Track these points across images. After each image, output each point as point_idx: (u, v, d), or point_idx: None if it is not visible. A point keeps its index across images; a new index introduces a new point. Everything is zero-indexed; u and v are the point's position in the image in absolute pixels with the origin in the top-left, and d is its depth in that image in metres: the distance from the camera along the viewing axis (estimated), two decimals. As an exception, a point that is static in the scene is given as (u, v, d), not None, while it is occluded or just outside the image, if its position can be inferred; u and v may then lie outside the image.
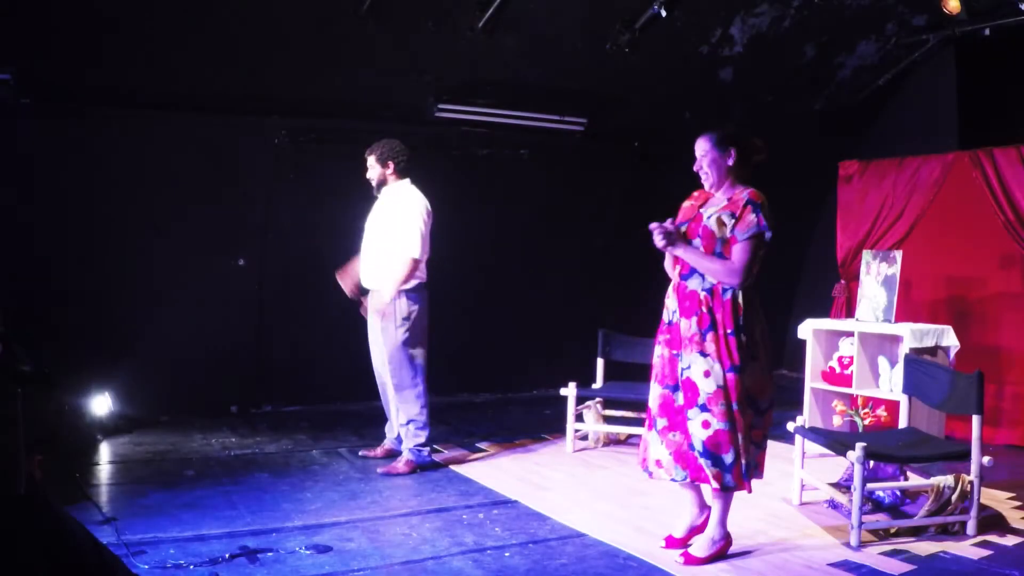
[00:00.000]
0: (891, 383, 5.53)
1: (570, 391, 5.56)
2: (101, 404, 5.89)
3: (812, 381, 5.93)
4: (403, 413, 5.13)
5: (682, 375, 3.53)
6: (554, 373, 6.40)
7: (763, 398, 3.55)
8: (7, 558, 2.47)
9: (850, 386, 5.62)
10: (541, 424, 6.49)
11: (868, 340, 5.72)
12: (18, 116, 5.74)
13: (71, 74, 5.77)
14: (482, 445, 5.80)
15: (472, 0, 6.19)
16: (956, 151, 6.46)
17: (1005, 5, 6.40)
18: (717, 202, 3.60)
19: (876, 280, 5.82)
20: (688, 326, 3.52)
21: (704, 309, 3.49)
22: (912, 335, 5.42)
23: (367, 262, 5.19)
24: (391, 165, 5.12)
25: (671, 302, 3.64)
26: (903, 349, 5.34)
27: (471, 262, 7.41)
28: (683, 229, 3.61)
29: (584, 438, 5.80)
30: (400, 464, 5.08)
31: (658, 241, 3.54)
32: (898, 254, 5.81)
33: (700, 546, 3.63)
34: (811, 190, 8.36)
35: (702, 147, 3.62)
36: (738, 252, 3.47)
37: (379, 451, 5.38)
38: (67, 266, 5.99)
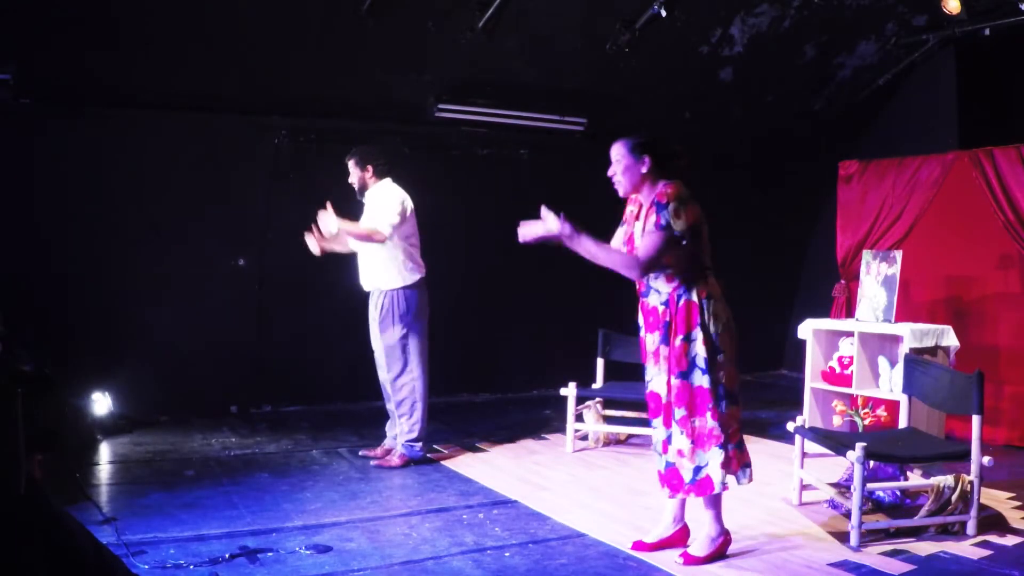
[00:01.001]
0: (891, 383, 5.53)
1: (570, 391, 5.56)
2: (101, 404, 5.89)
3: (812, 381, 5.93)
4: (398, 407, 5.19)
5: (647, 388, 3.63)
6: (554, 373, 6.41)
7: (735, 388, 3.58)
8: (7, 558, 2.47)
9: (850, 386, 5.62)
10: (541, 424, 6.49)
11: (868, 340, 5.72)
12: (18, 116, 5.74)
13: (71, 74, 5.77)
14: (482, 445, 5.80)
15: (472, 0, 6.20)
16: (956, 151, 6.46)
17: (1005, 5, 6.40)
18: (645, 213, 3.57)
19: (876, 280, 5.82)
20: (651, 341, 3.59)
21: (661, 323, 3.54)
22: (912, 335, 5.42)
23: (363, 266, 5.24)
24: (370, 169, 5.20)
25: (639, 318, 3.69)
26: (903, 349, 5.34)
27: (471, 262, 7.41)
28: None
29: (584, 438, 5.79)
30: (393, 458, 5.17)
31: (551, 229, 3.43)
32: (898, 254, 5.81)
33: (699, 545, 3.63)
34: (811, 190, 8.36)
35: (617, 153, 3.61)
36: (642, 244, 3.48)
37: (379, 451, 5.39)
38: (67, 266, 5.99)
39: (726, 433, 3.52)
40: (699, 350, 3.49)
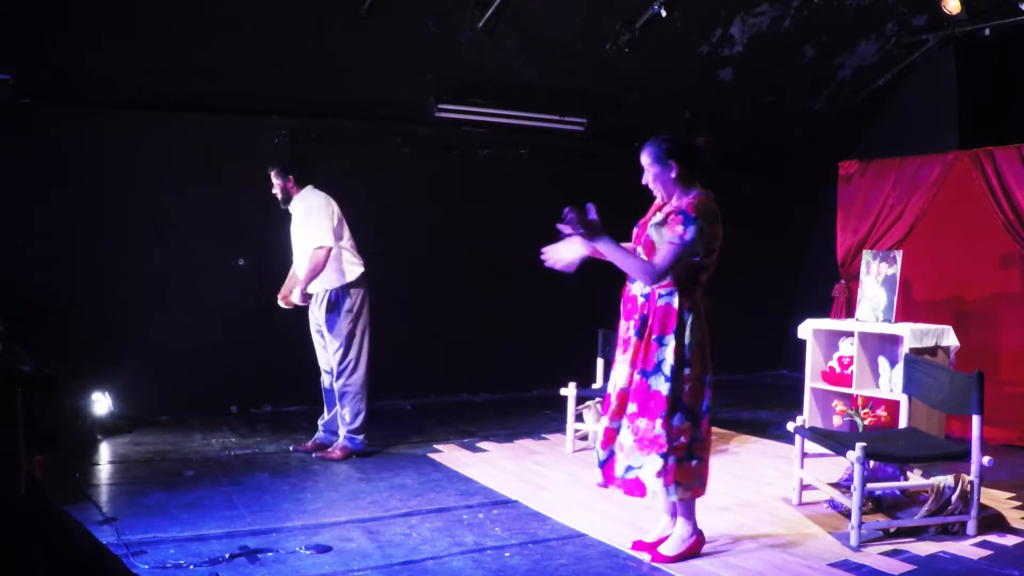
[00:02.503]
0: (891, 383, 5.53)
1: (570, 391, 5.56)
2: (101, 404, 5.89)
3: (812, 381, 5.93)
4: (342, 401, 5.28)
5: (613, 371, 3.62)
6: (554, 373, 6.41)
7: (696, 406, 3.49)
8: (7, 558, 2.47)
9: (850, 386, 5.62)
10: (541, 424, 6.49)
11: (868, 340, 5.72)
12: (18, 116, 5.75)
13: (71, 74, 5.77)
14: (482, 445, 5.80)
15: (472, 0, 6.20)
16: (956, 151, 6.46)
17: (1005, 5, 6.40)
18: (665, 209, 3.58)
19: (876, 280, 5.82)
20: (625, 328, 3.57)
21: (638, 316, 3.51)
22: (912, 335, 5.42)
23: (303, 269, 5.31)
24: (291, 178, 5.30)
25: (621, 307, 3.68)
26: (903, 349, 5.34)
27: (471, 262, 7.42)
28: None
29: (584, 438, 5.79)
30: (335, 451, 5.28)
31: (568, 229, 3.42)
32: (898, 254, 5.81)
33: (670, 545, 3.60)
34: (811, 190, 8.37)
35: (644, 160, 3.59)
36: (659, 253, 3.44)
37: (309, 444, 5.50)
38: (67, 266, 5.99)
39: (670, 445, 3.44)
40: (667, 356, 3.45)
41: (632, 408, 3.50)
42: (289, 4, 5.82)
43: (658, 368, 3.46)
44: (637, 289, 3.55)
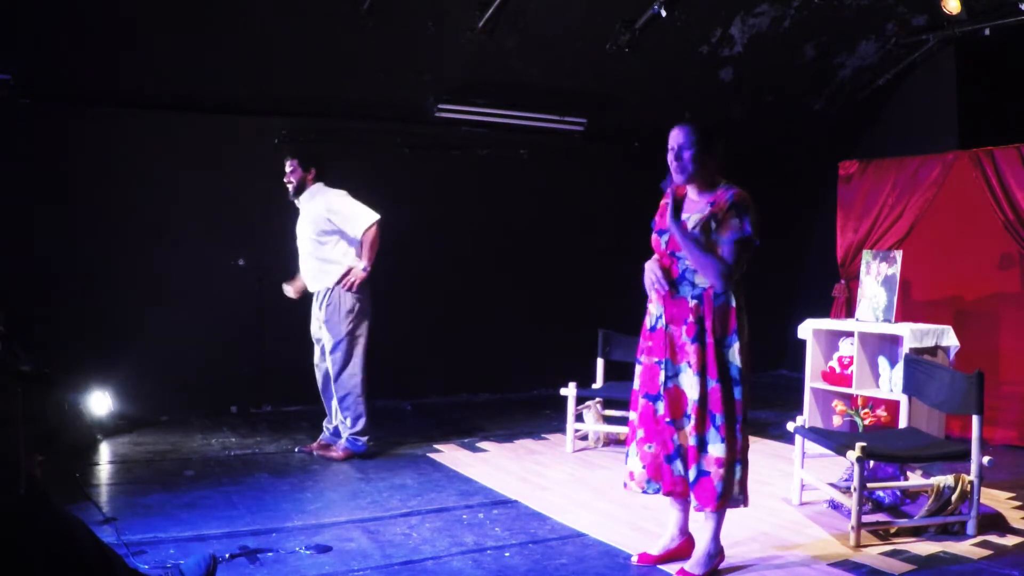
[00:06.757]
0: (891, 383, 5.53)
1: (570, 391, 5.56)
2: (101, 404, 5.89)
3: (812, 381, 5.93)
4: (343, 404, 5.27)
5: (667, 384, 3.40)
6: (554, 373, 6.41)
7: (742, 413, 3.42)
8: (7, 558, 2.47)
9: (850, 386, 5.62)
10: (541, 424, 6.49)
11: (868, 340, 5.72)
12: (18, 116, 5.75)
13: (72, 74, 5.77)
14: (482, 445, 5.80)
15: (472, 0, 6.20)
16: (956, 151, 6.46)
17: (1005, 5, 6.41)
18: (699, 207, 3.44)
19: (876, 280, 5.82)
20: (678, 334, 3.40)
21: (693, 318, 3.36)
22: (912, 335, 5.42)
23: (307, 267, 5.32)
24: (313, 172, 5.28)
25: (655, 308, 3.48)
26: (903, 349, 5.34)
27: (471, 262, 7.42)
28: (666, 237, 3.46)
29: (584, 438, 5.80)
30: (337, 452, 5.28)
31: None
32: (898, 254, 5.81)
33: (696, 562, 3.48)
34: (811, 190, 8.37)
35: (683, 138, 3.42)
36: (723, 250, 3.34)
37: (314, 445, 5.48)
38: (67, 266, 6.00)
39: (744, 454, 3.42)
40: (735, 359, 3.36)
41: (720, 419, 3.34)
42: (289, 4, 5.82)
43: (728, 373, 3.36)
44: (685, 291, 3.39)
